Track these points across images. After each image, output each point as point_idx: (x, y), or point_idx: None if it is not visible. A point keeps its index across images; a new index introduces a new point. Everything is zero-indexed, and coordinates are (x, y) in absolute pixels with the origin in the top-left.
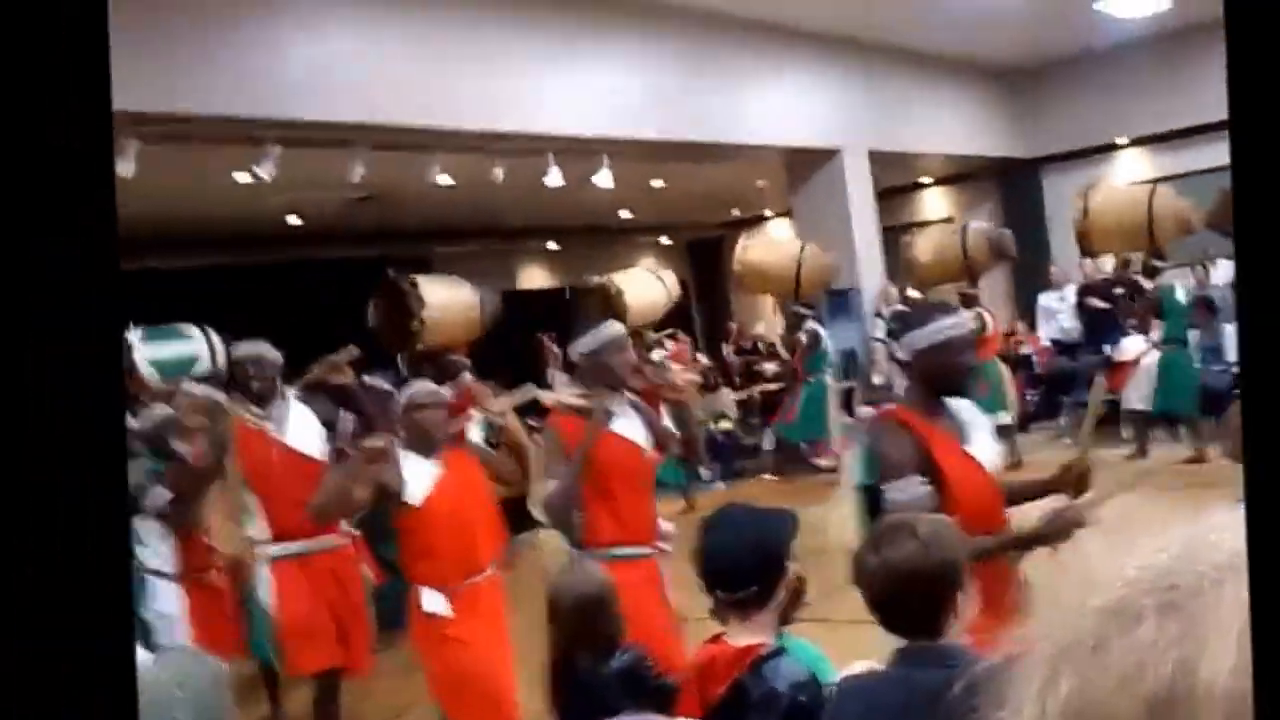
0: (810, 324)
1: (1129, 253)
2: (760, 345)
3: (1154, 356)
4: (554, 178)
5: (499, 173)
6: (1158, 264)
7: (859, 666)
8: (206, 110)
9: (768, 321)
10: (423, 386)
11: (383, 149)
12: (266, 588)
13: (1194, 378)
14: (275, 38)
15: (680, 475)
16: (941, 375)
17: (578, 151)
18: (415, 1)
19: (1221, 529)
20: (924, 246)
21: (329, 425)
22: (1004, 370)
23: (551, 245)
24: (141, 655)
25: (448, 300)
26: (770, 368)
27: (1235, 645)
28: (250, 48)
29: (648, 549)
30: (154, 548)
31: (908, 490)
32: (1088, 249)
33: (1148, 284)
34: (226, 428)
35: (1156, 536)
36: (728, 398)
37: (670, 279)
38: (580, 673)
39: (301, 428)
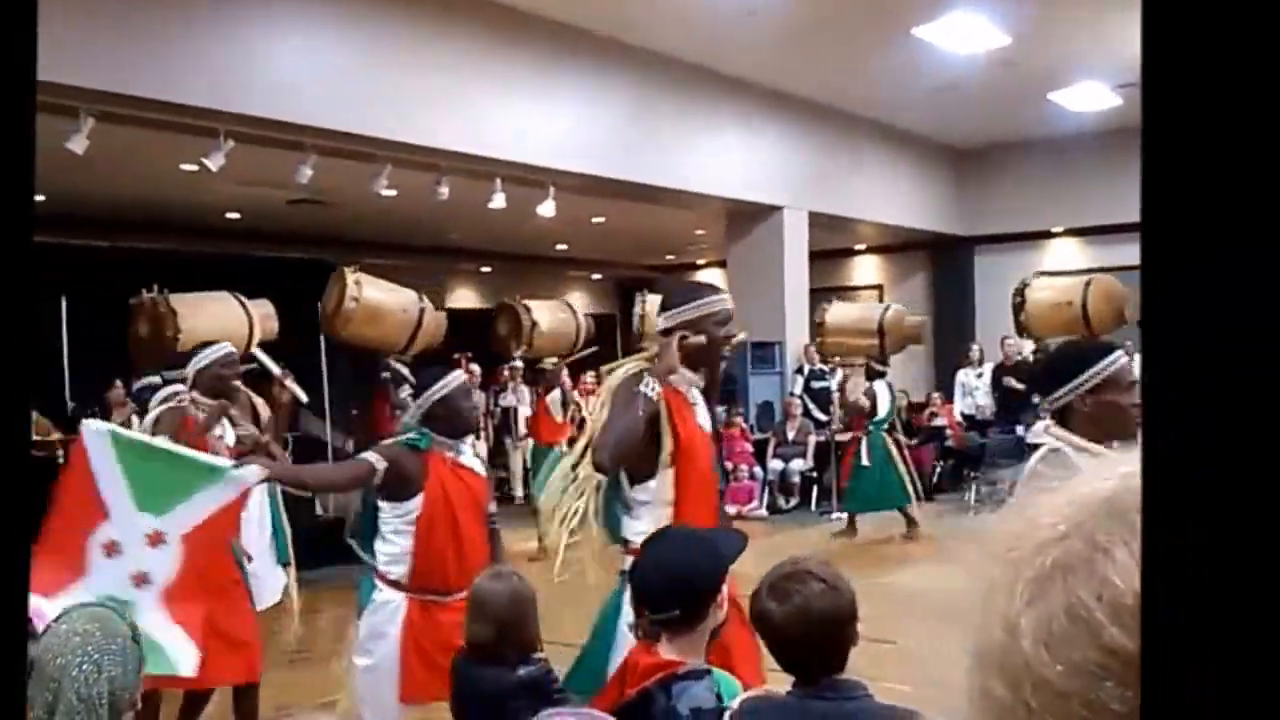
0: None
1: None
2: None
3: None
4: (498, 201)
5: (444, 191)
6: (878, 366)
7: (758, 691)
8: (165, 95)
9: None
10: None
11: (333, 155)
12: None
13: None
14: (242, 34)
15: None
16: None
17: (524, 180)
18: (382, 16)
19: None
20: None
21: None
22: None
23: (485, 268)
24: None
25: None
26: None
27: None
28: (216, 41)
29: None
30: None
31: None
32: (823, 354)
33: (866, 384)
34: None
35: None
36: None
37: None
38: (487, 674)
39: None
